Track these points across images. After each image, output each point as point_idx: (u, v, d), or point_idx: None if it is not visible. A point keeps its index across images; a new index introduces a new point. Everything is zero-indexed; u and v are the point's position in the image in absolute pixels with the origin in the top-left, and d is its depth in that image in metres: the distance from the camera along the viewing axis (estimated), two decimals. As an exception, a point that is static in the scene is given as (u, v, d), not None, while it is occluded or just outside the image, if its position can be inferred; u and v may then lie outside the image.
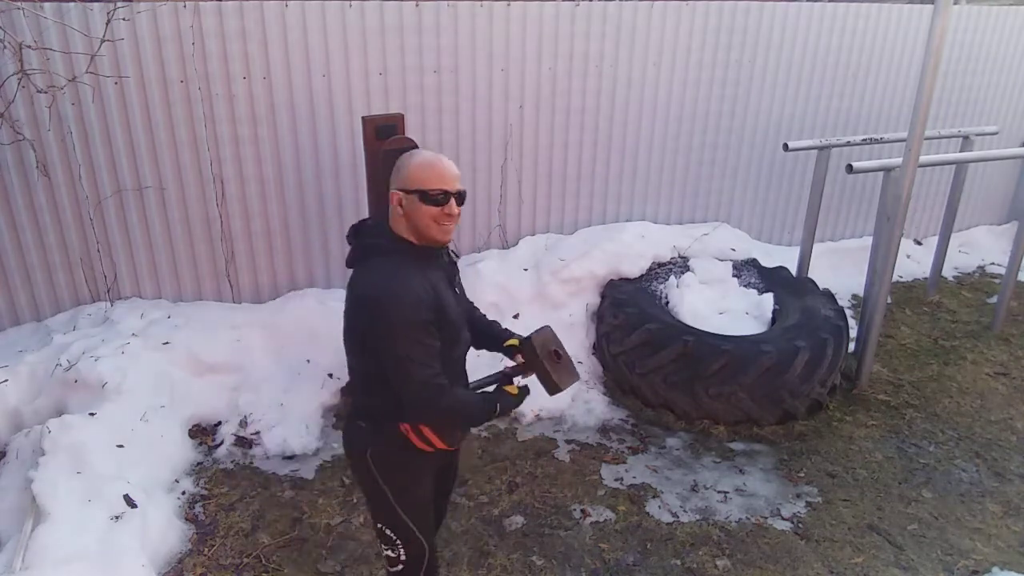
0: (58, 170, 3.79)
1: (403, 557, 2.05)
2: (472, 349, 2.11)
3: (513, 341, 2.10)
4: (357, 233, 1.94)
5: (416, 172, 1.84)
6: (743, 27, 4.93)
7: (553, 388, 2.04)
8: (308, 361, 4.00)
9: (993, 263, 6.25)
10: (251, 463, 3.48)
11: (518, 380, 2.05)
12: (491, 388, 2.02)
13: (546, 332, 2.10)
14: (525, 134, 4.65)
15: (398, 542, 2.03)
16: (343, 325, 1.90)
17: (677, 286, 4.33)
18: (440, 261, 1.95)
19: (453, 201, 1.85)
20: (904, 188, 3.84)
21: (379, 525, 2.05)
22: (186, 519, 3.11)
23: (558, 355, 2.07)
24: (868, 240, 4.67)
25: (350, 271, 1.91)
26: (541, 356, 2.01)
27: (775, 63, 5.14)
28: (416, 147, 3.40)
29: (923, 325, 5.13)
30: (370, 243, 1.89)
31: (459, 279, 2.08)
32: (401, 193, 1.84)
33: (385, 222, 1.90)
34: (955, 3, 4.64)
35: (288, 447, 3.55)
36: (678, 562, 2.98)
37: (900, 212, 3.91)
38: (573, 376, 2.10)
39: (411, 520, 2.02)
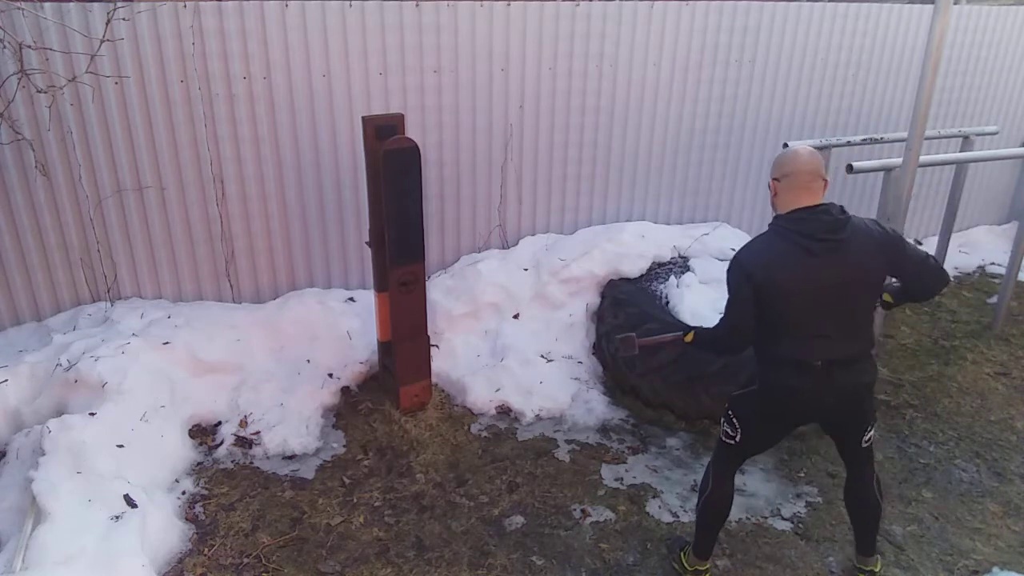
0: (58, 170, 3.79)
1: None
2: None
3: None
4: (842, 210, 2.43)
5: None
6: (743, 27, 4.93)
7: None
8: (308, 361, 4.00)
9: (993, 263, 6.25)
10: (251, 463, 3.48)
11: None
12: None
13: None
14: (525, 134, 4.65)
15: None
16: (862, 277, 2.37)
17: (677, 286, 4.32)
18: None
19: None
20: (904, 188, 3.84)
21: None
22: (186, 519, 3.11)
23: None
24: (868, 240, 4.65)
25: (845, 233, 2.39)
26: None
27: (775, 63, 5.14)
28: (416, 147, 3.41)
29: (923, 325, 5.13)
30: (846, 215, 2.42)
31: None
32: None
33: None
34: (955, 3, 4.64)
35: (288, 447, 3.55)
36: (678, 562, 2.98)
37: (900, 212, 3.91)
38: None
39: None
